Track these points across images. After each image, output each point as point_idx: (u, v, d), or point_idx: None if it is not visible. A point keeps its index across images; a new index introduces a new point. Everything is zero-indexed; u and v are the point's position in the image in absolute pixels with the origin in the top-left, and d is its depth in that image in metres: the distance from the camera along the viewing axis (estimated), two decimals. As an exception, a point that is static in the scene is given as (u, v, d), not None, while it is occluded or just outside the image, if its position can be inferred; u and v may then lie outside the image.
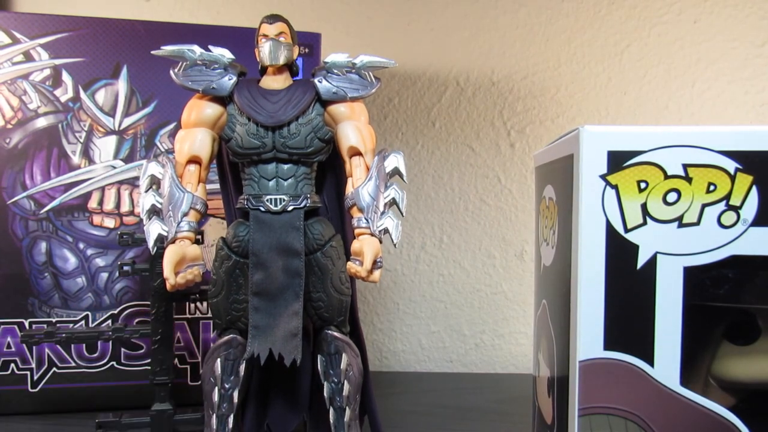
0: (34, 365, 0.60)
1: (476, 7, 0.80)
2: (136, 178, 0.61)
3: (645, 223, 0.28)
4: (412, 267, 0.83)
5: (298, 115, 0.43)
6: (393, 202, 0.43)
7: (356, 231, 0.43)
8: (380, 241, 0.42)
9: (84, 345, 0.61)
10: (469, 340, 0.83)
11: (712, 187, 0.28)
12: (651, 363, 0.28)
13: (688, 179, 0.28)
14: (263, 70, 0.45)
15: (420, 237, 0.82)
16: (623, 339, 0.28)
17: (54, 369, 0.60)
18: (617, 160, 0.28)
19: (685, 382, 0.28)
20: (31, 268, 0.60)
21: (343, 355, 0.45)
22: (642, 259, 0.28)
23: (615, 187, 0.28)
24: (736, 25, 0.78)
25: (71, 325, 0.61)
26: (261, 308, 0.43)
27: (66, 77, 0.60)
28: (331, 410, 0.45)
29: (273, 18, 0.44)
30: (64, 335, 0.52)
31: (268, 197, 0.43)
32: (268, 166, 0.44)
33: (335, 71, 0.44)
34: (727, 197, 0.28)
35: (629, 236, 0.28)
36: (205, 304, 0.62)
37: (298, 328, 0.43)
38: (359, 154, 0.43)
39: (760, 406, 0.30)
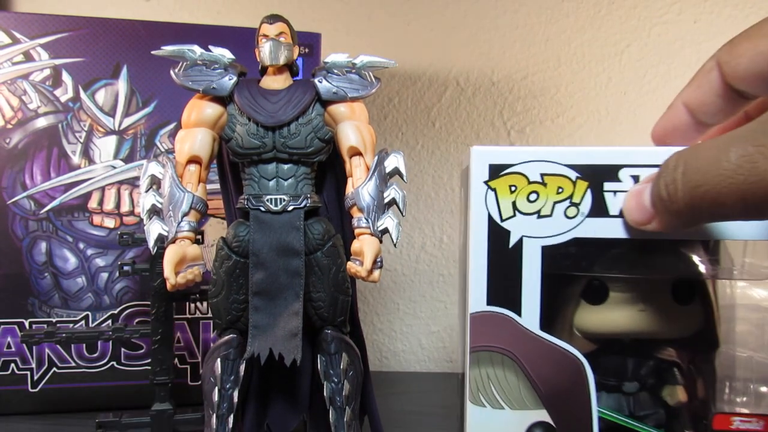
0: (34, 365, 0.60)
1: (476, 7, 0.80)
2: (136, 178, 0.61)
3: (514, 215, 0.38)
4: (412, 267, 0.83)
5: (298, 115, 0.43)
6: (393, 202, 0.43)
7: (356, 231, 0.43)
8: (380, 241, 0.42)
9: (84, 345, 0.61)
10: (469, 340, 0.83)
11: (560, 190, 0.37)
12: (519, 314, 0.38)
13: (543, 184, 0.38)
14: (263, 70, 0.45)
15: (420, 237, 0.83)
16: (500, 297, 0.38)
17: (54, 369, 0.61)
18: (495, 171, 0.38)
19: (543, 327, 0.38)
20: (31, 268, 0.60)
21: (343, 355, 0.45)
22: (512, 241, 0.38)
23: (494, 190, 0.38)
24: (736, 25, 0.78)
25: (71, 325, 0.61)
26: (261, 308, 0.43)
27: (66, 77, 0.60)
28: (331, 410, 0.45)
29: (273, 18, 0.44)
30: (64, 335, 0.52)
31: (269, 197, 0.43)
32: (268, 166, 0.44)
33: (335, 71, 0.44)
34: (571, 197, 0.37)
35: (504, 224, 0.38)
36: (205, 304, 0.62)
37: (298, 328, 0.43)
38: (359, 154, 0.43)
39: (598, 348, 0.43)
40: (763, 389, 0.56)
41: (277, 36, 0.44)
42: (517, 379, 0.39)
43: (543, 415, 0.38)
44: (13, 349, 0.60)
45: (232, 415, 0.44)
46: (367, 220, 0.42)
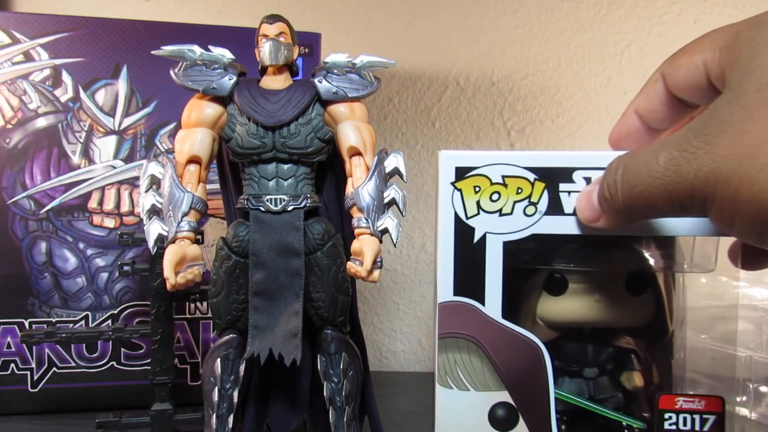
0: (34, 365, 0.60)
1: (476, 7, 0.80)
2: (136, 178, 0.61)
3: (479, 213, 0.41)
4: (412, 267, 0.83)
5: (298, 115, 0.43)
6: (393, 202, 0.43)
7: (356, 231, 0.43)
8: (380, 241, 0.42)
9: (84, 345, 0.61)
10: (469, 340, 0.83)
11: (519, 190, 0.41)
12: (483, 303, 0.41)
13: (505, 185, 0.41)
14: (263, 70, 0.45)
15: (420, 237, 0.83)
16: (466, 288, 0.41)
17: (54, 369, 0.61)
18: (461, 173, 0.41)
19: (505, 316, 0.41)
20: (31, 268, 0.60)
21: (343, 354, 0.45)
22: (477, 237, 0.41)
23: (460, 190, 0.41)
24: (736, 25, 0.78)
25: (71, 325, 0.61)
26: (261, 308, 0.43)
27: (66, 77, 0.60)
28: (331, 410, 0.45)
29: (273, 18, 0.44)
30: (64, 335, 0.52)
31: (268, 197, 0.43)
32: (268, 166, 0.44)
33: (335, 71, 0.44)
34: (529, 197, 0.41)
35: (469, 222, 0.41)
36: (205, 304, 0.62)
37: (298, 328, 0.43)
38: (359, 154, 0.43)
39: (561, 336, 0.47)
40: (763, 389, 0.56)
41: (277, 36, 0.44)
42: (482, 363, 0.42)
43: (505, 396, 0.42)
44: (13, 349, 0.60)
45: (232, 415, 0.44)
46: (367, 220, 0.42)
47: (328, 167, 0.47)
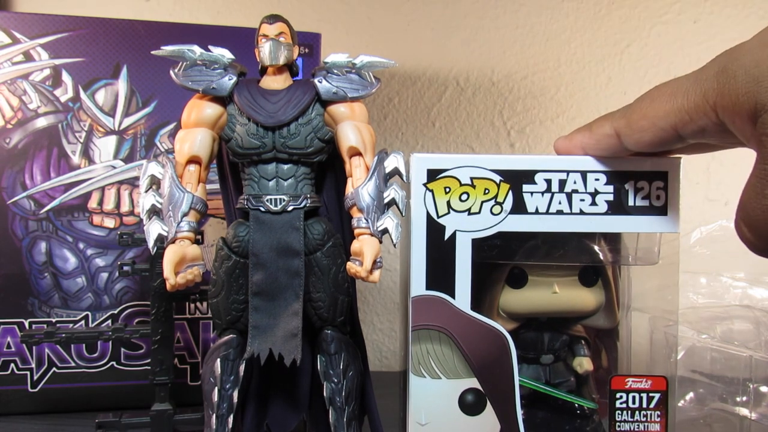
0: (34, 365, 0.60)
1: (476, 7, 0.80)
2: (136, 178, 0.61)
3: (449, 212, 0.44)
4: (412, 267, 0.83)
5: (297, 115, 0.43)
6: (393, 203, 0.43)
7: (356, 231, 0.43)
8: (380, 241, 0.42)
9: (84, 345, 0.61)
10: (469, 340, 0.83)
11: (487, 191, 0.44)
12: (453, 296, 0.44)
13: (473, 186, 0.44)
14: (263, 71, 0.45)
15: (420, 237, 0.82)
16: (437, 282, 0.44)
17: (54, 369, 0.61)
18: (432, 174, 0.44)
19: (473, 307, 0.44)
20: (31, 268, 0.60)
21: (343, 354, 0.45)
22: (447, 234, 0.44)
23: (431, 191, 0.44)
24: (736, 25, 0.78)
25: (71, 325, 0.61)
26: (261, 308, 0.43)
27: (66, 77, 0.60)
28: (331, 410, 0.45)
29: (273, 18, 0.44)
30: (64, 335, 0.52)
31: (268, 197, 0.43)
32: (268, 166, 0.44)
33: (335, 71, 0.44)
34: (495, 197, 0.44)
35: (440, 220, 0.44)
36: (205, 304, 0.62)
37: (298, 328, 0.43)
38: (359, 154, 0.43)
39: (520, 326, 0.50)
40: (763, 389, 0.56)
41: (277, 36, 0.44)
42: (452, 352, 0.45)
43: (474, 383, 0.45)
44: (13, 349, 0.60)
45: (231, 415, 0.44)
46: (366, 220, 0.42)
47: (328, 167, 0.47)
